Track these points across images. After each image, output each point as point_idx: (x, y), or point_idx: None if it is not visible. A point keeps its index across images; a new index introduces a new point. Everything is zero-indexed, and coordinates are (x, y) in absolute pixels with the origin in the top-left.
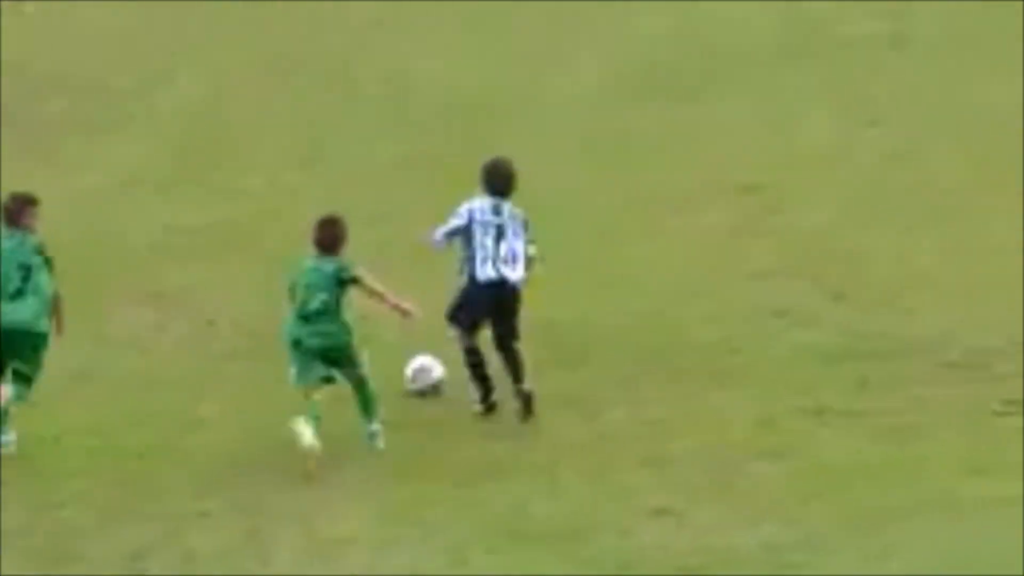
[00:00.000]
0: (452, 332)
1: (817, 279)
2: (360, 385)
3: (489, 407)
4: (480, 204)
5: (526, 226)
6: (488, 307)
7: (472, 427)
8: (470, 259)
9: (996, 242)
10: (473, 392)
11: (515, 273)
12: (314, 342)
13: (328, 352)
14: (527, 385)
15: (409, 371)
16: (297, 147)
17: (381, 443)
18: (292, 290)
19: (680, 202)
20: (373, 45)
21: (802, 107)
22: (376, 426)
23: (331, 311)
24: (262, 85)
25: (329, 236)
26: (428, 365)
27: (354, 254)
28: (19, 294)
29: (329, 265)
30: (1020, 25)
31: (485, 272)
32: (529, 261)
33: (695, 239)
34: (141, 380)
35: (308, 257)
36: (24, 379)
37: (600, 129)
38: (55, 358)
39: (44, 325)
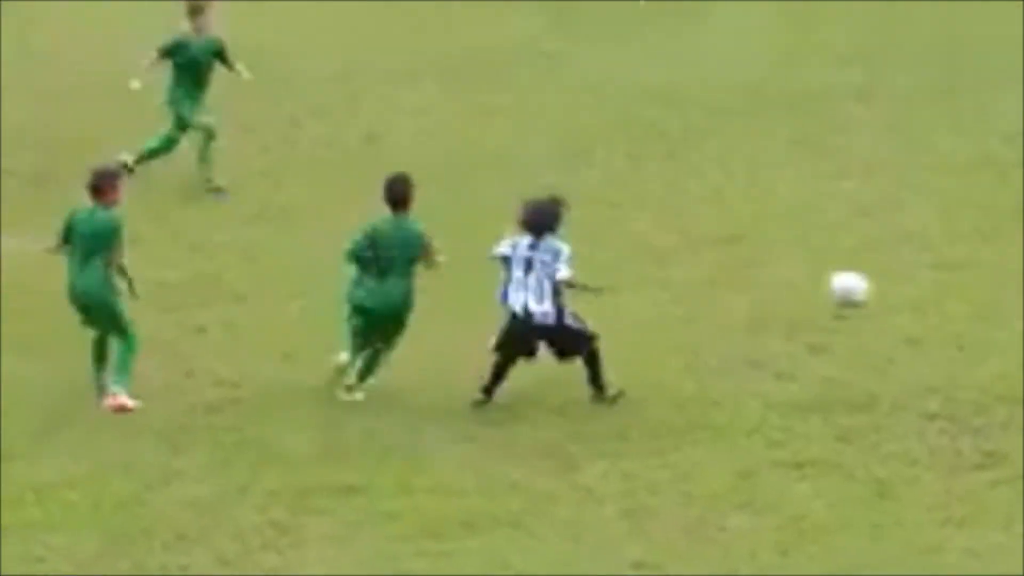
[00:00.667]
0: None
1: (794, 331)
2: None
3: (484, 400)
4: (521, 240)
5: (557, 257)
6: (521, 338)
7: (448, 479)
8: (504, 289)
9: (971, 294)
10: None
11: (541, 307)
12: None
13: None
14: (607, 391)
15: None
16: (273, 202)
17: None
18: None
19: (657, 255)
20: (347, 101)
21: (777, 160)
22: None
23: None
24: (236, 140)
25: (401, 192)
26: (852, 286)
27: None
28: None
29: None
30: (985, 76)
31: (514, 305)
32: (562, 283)
33: (672, 291)
34: (119, 431)
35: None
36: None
37: (577, 184)
38: (33, 409)
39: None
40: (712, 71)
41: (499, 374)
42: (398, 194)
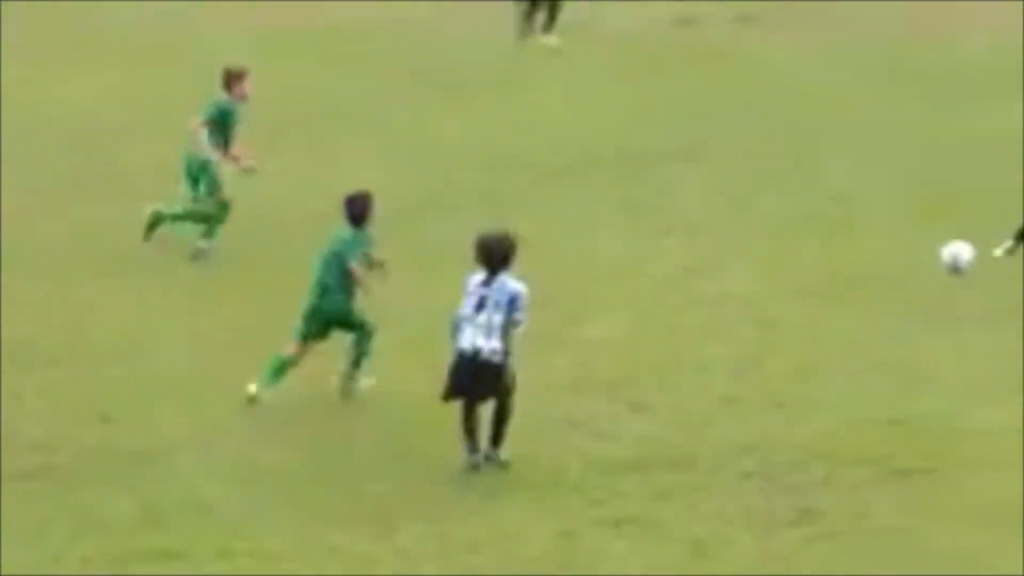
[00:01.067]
0: None
1: (615, 390)
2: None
3: (474, 464)
4: (473, 277)
5: (513, 301)
6: (466, 377)
7: (267, 544)
8: (453, 328)
9: (791, 353)
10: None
11: (489, 344)
12: None
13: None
14: (498, 455)
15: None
16: (111, 256)
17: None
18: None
19: None
20: None
21: (601, 221)
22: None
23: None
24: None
25: (361, 208)
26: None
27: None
28: None
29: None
30: (813, 137)
31: (462, 341)
32: (509, 330)
33: None
34: None
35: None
36: None
37: (401, 245)
38: None
39: None
40: (539, 135)
41: (469, 420)
42: (359, 209)
